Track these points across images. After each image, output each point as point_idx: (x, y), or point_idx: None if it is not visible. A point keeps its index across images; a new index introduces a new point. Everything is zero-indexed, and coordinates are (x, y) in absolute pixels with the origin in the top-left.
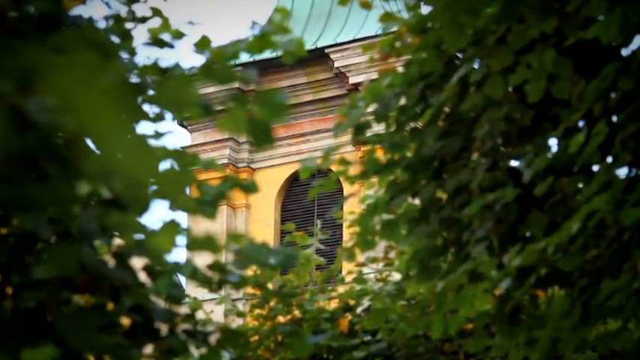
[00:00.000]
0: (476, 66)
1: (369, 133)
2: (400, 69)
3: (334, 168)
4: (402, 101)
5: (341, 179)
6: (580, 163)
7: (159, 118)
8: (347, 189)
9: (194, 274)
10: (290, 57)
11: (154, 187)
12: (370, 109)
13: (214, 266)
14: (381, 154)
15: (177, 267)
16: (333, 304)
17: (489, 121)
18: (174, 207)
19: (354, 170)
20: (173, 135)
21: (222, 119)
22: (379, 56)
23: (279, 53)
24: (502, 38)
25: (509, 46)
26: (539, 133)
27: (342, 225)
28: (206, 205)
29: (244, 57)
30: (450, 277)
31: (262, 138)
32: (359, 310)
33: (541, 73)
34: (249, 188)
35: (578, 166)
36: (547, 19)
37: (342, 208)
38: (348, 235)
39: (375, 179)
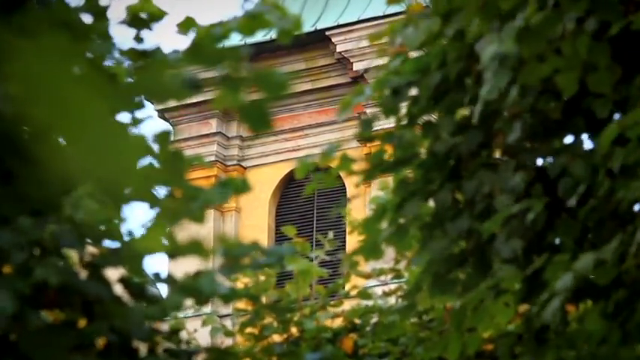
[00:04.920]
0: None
1: (376, 128)
2: (413, 54)
3: (336, 166)
4: (414, 92)
5: (344, 180)
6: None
7: (138, 105)
8: (350, 191)
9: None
10: (285, 36)
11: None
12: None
13: (200, 274)
14: (389, 151)
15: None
16: (336, 323)
17: (519, 120)
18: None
19: (357, 167)
20: (153, 128)
21: (216, 96)
22: (389, 45)
23: (274, 36)
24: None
25: (539, 30)
26: (570, 129)
27: (345, 232)
28: (193, 207)
29: (235, 40)
30: (470, 295)
31: (259, 121)
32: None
33: (575, 62)
34: (240, 187)
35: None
36: (578, 1)
37: (344, 207)
38: (352, 244)
39: (386, 179)
